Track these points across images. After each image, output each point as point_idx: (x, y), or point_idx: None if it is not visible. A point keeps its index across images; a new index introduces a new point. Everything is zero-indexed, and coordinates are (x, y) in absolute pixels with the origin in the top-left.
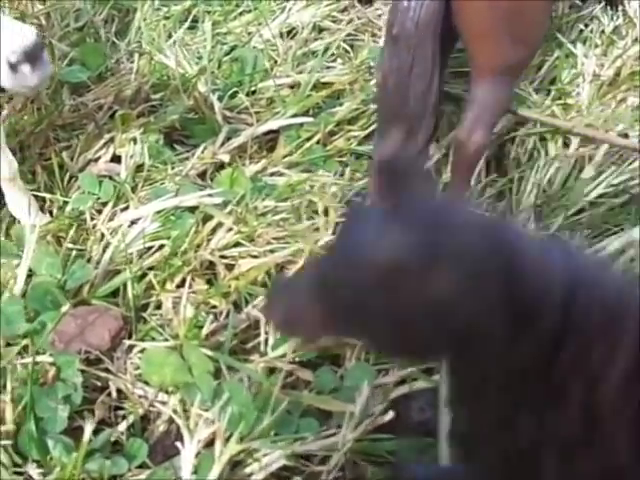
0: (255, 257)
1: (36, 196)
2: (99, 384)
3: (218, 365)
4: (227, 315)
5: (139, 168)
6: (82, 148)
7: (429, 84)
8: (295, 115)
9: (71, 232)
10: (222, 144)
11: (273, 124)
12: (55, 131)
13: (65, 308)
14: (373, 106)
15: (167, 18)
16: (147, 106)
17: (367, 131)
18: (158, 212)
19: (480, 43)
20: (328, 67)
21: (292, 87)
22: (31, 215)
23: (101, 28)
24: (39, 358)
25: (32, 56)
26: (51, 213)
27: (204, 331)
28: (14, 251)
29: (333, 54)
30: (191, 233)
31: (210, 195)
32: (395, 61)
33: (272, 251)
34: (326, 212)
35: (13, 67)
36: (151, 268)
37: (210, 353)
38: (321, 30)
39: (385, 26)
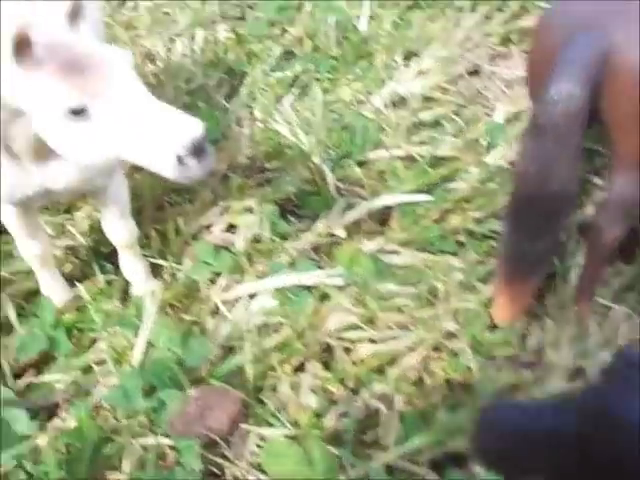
0: (374, 342)
1: (149, 261)
2: (214, 470)
3: (340, 460)
4: (343, 400)
5: (254, 239)
6: (196, 214)
7: (572, 173)
8: (411, 191)
9: (184, 301)
10: (337, 217)
11: (389, 199)
12: (169, 195)
13: (187, 389)
14: (491, 185)
15: (278, 83)
16: (262, 175)
17: (484, 212)
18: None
19: (628, 133)
20: (440, 139)
21: (402, 159)
22: (146, 282)
23: (213, 92)
24: (158, 440)
25: (199, 149)
26: (159, 277)
27: (324, 421)
28: (132, 320)
29: (442, 125)
30: (309, 313)
31: (330, 275)
32: (539, 150)
33: (393, 338)
34: (447, 298)
35: (180, 160)
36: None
37: (333, 450)
38: (430, 100)
39: (529, 115)
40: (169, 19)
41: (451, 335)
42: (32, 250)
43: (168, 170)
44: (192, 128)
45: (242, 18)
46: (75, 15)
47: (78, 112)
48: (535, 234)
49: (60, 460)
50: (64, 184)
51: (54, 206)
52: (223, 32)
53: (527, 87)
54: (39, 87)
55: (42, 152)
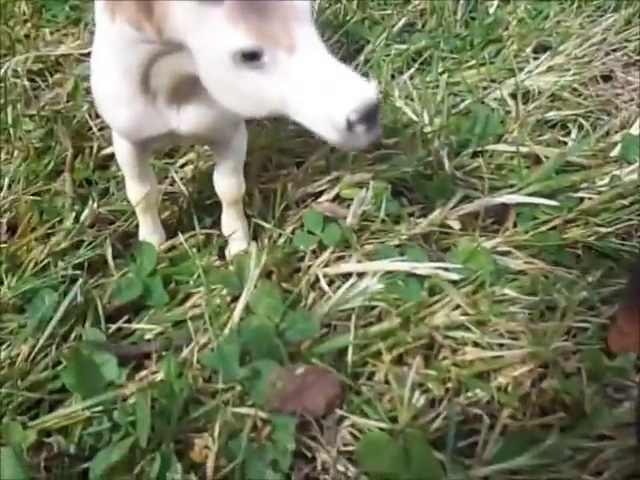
0: (481, 346)
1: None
2: (305, 452)
3: (441, 465)
4: (440, 402)
5: (362, 216)
6: (303, 180)
7: None
8: (533, 193)
9: (283, 269)
10: (452, 208)
11: (510, 198)
12: (276, 156)
13: (285, 362)
14: (621, 202)
15: (398, 55)
16: (378, 150)
17: (608, 228)
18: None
19: None
20: (564, 142)
21: (524, 156)
22: (245, 241)
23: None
24: (252, 411)
25: (370, 117)
26: (258, 239)
27: (423, 418)
28: (233, 280)
29: (568, 128)
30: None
31: (446, 269)
32: None
33: (501, 345)
34: (564, 313)
35: (349, 125)
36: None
37: (436, 454)
38: (558, 99)
39: None
40: None
41: (565, 354)
42: (140, 192)
43: (334, 134)
44: (368, 93)
45: None
46: None
47: (251, 57)
48: None
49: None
50: (193, 130)
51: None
52: None
53: None
54: (213, 24)
55: (180, 94)
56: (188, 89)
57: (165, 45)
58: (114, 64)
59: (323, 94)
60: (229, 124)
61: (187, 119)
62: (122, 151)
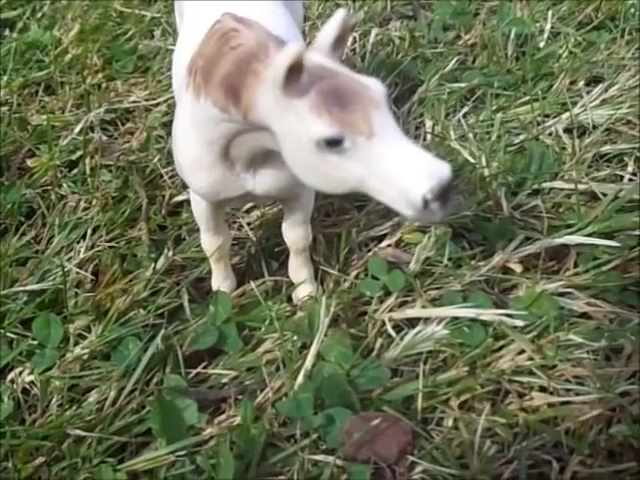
0: (548, 391)
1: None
2: None
3: None
4: (509, 447)
5: (425, 261)
6: (366, 225)
7: None
8: (592, 233)
9: (349, 314)
10: (512, 250)
11: (570, 239)
12: (338, 200)
13: (358, 410)
14: None
15: (452, 94)
16: None
17: None
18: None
19: None
20: (621, 176)
21: (582, 193)
22: (311, 286)
23: None
24: (329, 459)
25: (444, 194)
26: (324, 284)
27: (493, 464)
28: (304, 327)
29: (625, 162)
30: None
31: (511, 315)
32: None
33: (567, 390)
34: (629, 357)
35: (425, 204)
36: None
37: None
38: (612, 132)
39: None
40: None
41: (632, 398)
42: (215, 244)
43: (411, 212)
44: (442, 173)
45: (415, 18)
46: (340, 41)
47: (334, 143)
48: None
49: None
50: (267, 191)
51: None
52: (395, 31)
53: None
54: (298, 114)
55: (257, 161)
56: (264, 156)
57: (248, 125)
58: (196, 135)
59: (400, 176)
60: (300, 184)
61: (262, 182)
62: (198, 208)
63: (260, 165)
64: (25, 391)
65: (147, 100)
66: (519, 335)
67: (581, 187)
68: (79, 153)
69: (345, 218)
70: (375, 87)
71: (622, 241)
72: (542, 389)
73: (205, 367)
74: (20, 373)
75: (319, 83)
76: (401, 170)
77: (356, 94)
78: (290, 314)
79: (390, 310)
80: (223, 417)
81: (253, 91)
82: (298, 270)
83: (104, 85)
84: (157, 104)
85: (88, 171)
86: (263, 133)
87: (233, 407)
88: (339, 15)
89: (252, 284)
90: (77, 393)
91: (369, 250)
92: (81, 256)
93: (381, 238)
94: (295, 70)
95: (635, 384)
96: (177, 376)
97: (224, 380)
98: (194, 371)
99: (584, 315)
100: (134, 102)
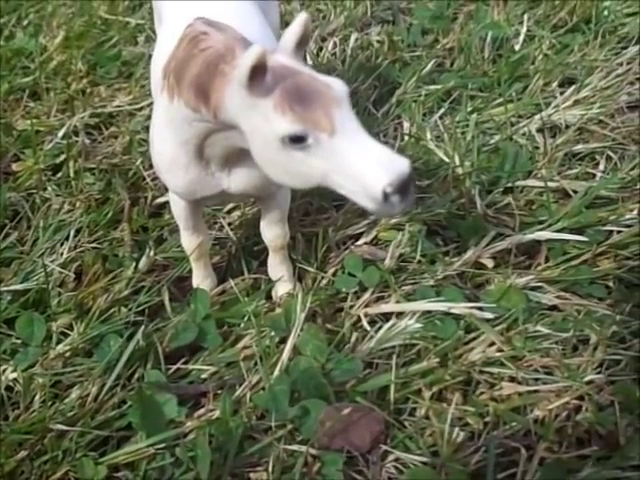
0: (517, 381)
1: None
2: None
3: None
4: (479, 435)
5: (400, 257)
6: (343, 223)
7: None
8: (563, 228)
9: (327, 310)
10: (485, 246)
11: (540, 235)
12: (315, 199)
13: (332, 401)
14: None
15: (428, 96)
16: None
17: (638, 260)
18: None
19: None
20: (592, 174)
21: (554, 191)
22: (290, 283)
23: (362, 96)
24: (303, 448)
25: (404, 188)
26: (303, 281)
27: (463, 452)
28: (281, 322)
29: (597, 161)
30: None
31: (481, 308)
32: None
33: (536, 379)
34: (596, 347)
35: (385, 197)
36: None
37: None
38: (585, 132)
39: None
40: (321, 15)
41: (598, 387)
42: (194, 242)
43: (372, 204)
44: (402, 168)
45: (394, 23)
46: (303, 43)
47: (297, 140)
48: None
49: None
50: (242, 189)
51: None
52: (374, 36)
53: None
54: (263, 112)
55: (230, 159)
56: (238, 155)
57: (219, 124)
58: (171, 136)
59: (361, 170)
60: (274, 182)
61: (237, 180)
62: (177, 207)
63: (234, 164)
64: (8, 388)
65: (130, 105)
66: (489, 327)
67: (552, 185)
68: (63, 157)
69: (323, 217)
70: (337, 86)
71: (591, 236)
72: (511, 379)
73: (185, 363)
74: (4, 371)
75: (283, 83)
76: (362, 165)
77: (318, 93)
78: (268, 310)
79: (366, 305)
80: (202, 411)
81: (221, 91)
82: (277, 268)
83: (88, 90)
84: (140, 108)
85: (72, 174)
86: (234, 132)
87: (212, 401)
88: (301, 18)
89: (231, 282)
90: (60, 389)
91: (346, 248)
92: (64, 256)
93: (358, 236)
94: (259, 70)
95: (601, 373)
96: (157, 372)
97: (204, 375)
98: (174, 367)
99: (554, 308)
100: (118, 107)
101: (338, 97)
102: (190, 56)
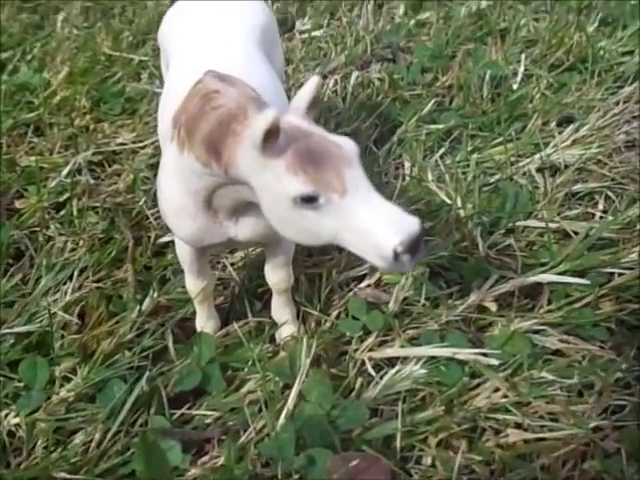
0: (523, 428)
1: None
2: None
3: None
4: None
5: (403, 301)
6: (346, 265)
7: None
8: (565, 272)
9: (330, 354)
10: (488, 289)
11: (543, 278)
12: None
13: (338, 450)
14: None
15: (429, 135)
16: None
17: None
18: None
19: None
20: (592, 214)
21: (555, 232)
22: (294, 326)
23: (363, 135)
24: None
25: (414, 247)
26: (306, 323)
27: None
28: (285, 367)
29: (596, 200)
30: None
31: (485, 354)
32: None
33: (542, 426)
34: (600, 393)
35: (395, 256)
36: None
37: None
38: (583, 171)
39: None
40: (322, 53)
41: (604, 433)
42: (199, 286)
43: (382, 263)
44: (412, 227)
45: (394, 61)
46: (315, 103)
47: (309, 200)
48: None
49: None
50: (249, 237)
51: None
52: (375, 74)
53: None
54: (275, 173)
55: (239, 210)
56: (246, 205)
57: (229, 180)
58: (180, 185)
59: (372, 230)
60: None
61: (244, 229)
62: (183, 252)
63: (242, 213)
64: (10, 434)
65: (134, 142)
66: (494, 373)
67: (553, 226)
68: (66, 195)
69: (326, 258)
70: (347, 146)
71: (593, 278)
72: (517, 426)
73: (189, 408)
74: (6, 416)
75: (295, 144)
76: (373, 225)
77: (329, 153)
78: (273, 354)
79: (370, 350)
80: (206, 458)
81: (233, 150)
82: (280, 310)
83: (92, 127)
84: (144, 146)
85: (75, 213)
86: (244, 187)
87: (216, 448)
88: (314, 80)
89: (235, 325)
90: (62, 435)
91: (350, 290)
92: (67, 298)
93: (361, 278)
94: (272, 133)
95: (607, 419)
96: (161, 417)
97: (208, 420)
98: (178, 412)
99: (557, 352)
100: (121, 144)
101: (349, 157)
102: (202, 113)
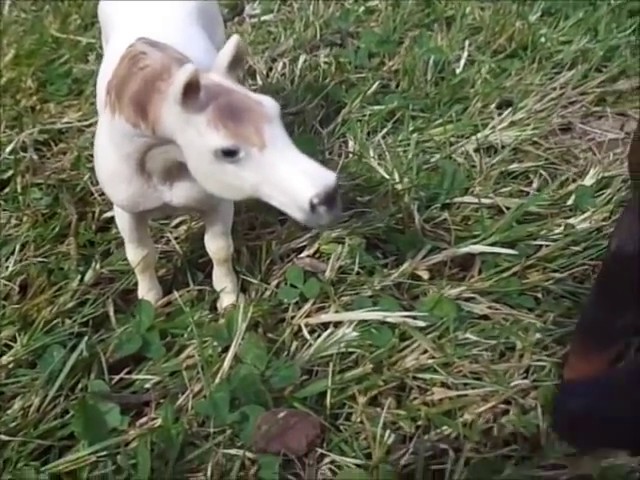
0: (447, 387)
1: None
2: None
3: None
4: (411, 438)
5: (339, 269)
6: (287, 237)
7: None
8: (495, 243)
9: (269, 320)
10: (421, 259)
11: (474, 248)
12: (261, 214)
13: (270, 407)
14: (575, 248)
15: (373, 116)
16: (353, 207)
17: (564, 272)
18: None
19: None
20: (526, 192)
21: (488, 207)
22: (234, 295)
23: (309, 116)
24: (240, 452)
25: (330, 199)
26: (247, 292)
27: (395, 454)
28: (223, 332)
29: (530, 179)
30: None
31: (414, 317)
32: (637, 228)
33: (465, 384)
34: (522, 354)
35: (312, 208)
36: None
37: None
38: (520, 152)
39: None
40: (271, 37)
41: (523, 391)
42: (139, 255)
43: (300, 215)
44: (328, 180)
45: (342, 46)
46: (237, 62)
47: (229, 154)
48: (619, 311)
49: (149, 456)
50: (184, 202)
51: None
52: (323, 58)
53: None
54: (197, 128)
55: (172, 173)
56: (179, 169)
57: (158, 139)
58: (114, 150)
59: (289, 183)
60: (215, 197)
61: (178, 193)
62: (122, 220)
63: (176, 178)
64: None
65: (80, 121)
66: (422, 335)
67: (487, 201)
68: (10, 172)
69: (267, 231)
70: (268, 103)
71: (521, 249)
72: (442, 384)
73: (129, 373)
74: None
75: (216, 100)
76: (290, 177)
77: (250, 110)
78: (212, 321)
79: (307, 316)
80: (144, 419)
81: (158, 108)
82: (221, 280)
83: (38, 107)
84: (89, 125)
85: (19, 190)
86: (172, 146)
87: (155, 410)
88: (233, 39)
89: (176, 293)
90: (2, 401)
91: (290, 261)
92: (9, 269)
93: (301, 249)
94: (192, 88)
95: (527, 378)
96: (101, 382)
97: (147, 385)
98: (118, 377)
99: (485, 317)
100: (67, 123)
101: (269, 114)
102: (130, 74)
